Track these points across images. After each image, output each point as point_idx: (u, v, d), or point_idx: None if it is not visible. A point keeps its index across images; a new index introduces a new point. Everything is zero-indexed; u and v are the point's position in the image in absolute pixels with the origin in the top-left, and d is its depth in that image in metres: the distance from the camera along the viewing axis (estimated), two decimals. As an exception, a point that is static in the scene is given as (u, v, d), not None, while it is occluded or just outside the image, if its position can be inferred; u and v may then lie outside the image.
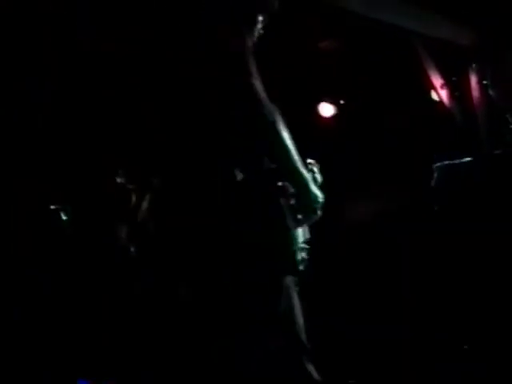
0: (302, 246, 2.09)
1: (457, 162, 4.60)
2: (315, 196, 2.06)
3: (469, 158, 4.62)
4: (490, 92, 5.44)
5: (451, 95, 6.15)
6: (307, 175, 2.06)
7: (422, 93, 6.17)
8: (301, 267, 2.08)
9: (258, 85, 1.95)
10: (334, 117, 6.57)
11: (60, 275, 4.05)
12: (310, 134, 4.67)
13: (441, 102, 6.11)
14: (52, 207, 4.25)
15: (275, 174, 2.03)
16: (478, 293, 4.06)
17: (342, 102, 6.59)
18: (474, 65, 6.19)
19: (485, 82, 5.85)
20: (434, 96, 6.16)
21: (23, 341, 3.80)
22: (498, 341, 3.71)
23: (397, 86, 6.17)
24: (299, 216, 2.06)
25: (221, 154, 2.03)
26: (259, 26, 2.11)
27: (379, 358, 4.78)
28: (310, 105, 6.51)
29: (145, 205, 2.24)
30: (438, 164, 4.57)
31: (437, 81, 6.05)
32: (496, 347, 3.70)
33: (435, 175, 4.52)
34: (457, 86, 6.23)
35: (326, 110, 6.56)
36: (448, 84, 6.10)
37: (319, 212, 2.09)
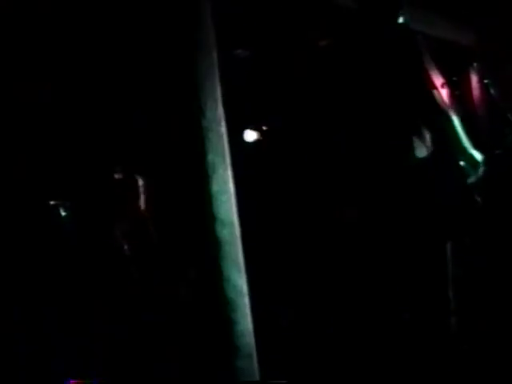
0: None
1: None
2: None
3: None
4: (491, 91, 5.44)
5: (452, 94, 6.14)
6: (476, 153, 2.92)
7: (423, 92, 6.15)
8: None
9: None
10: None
11: (58, 271, 4.05)
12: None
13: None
14: (51, 203, 4.25)
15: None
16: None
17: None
18: (474, 64, 6.19)
19: (486, 82, 5.85)
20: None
21: (23, 340, 3.80)
22: None
23: (396, 84, 6.16)
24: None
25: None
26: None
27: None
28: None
29: (143, 203, 2.27)
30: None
31: (437, 80, 6.04)
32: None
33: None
34: (457, 86, 6.22)
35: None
36: (448, 83, 6.10)
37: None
